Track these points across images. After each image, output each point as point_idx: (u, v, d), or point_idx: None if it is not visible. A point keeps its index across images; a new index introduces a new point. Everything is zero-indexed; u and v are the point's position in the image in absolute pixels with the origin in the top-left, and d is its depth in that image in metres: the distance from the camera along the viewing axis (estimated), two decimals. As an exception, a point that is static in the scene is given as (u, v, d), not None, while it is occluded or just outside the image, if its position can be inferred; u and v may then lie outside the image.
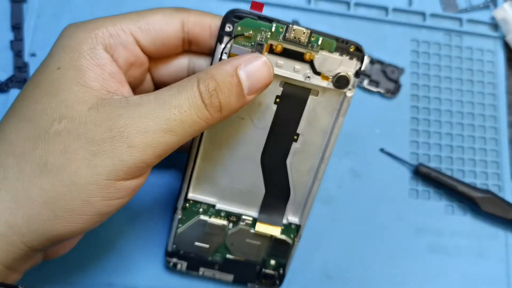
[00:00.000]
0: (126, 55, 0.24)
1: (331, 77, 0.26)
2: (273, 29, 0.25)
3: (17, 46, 0.37)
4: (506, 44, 0.44)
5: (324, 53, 0.25)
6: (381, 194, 0.39)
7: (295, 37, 0.25)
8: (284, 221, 0.32)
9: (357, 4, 0.42)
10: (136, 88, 0.27)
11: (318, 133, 0.29)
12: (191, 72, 0.28)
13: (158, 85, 0.28)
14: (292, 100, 0.27)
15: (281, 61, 0.26)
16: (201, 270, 0.33)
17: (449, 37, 0.43)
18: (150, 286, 0.35)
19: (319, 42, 0.25)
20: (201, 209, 0.31)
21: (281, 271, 0.33)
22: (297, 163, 0.30)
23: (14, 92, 0.36)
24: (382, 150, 0.40)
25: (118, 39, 0.24)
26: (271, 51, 0.25)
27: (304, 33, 0.25)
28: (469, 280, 0.39)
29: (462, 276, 0.39)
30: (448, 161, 0.41)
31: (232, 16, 0.25)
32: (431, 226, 0.39)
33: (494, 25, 0.44)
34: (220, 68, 0.23)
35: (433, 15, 0.43)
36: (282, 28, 0.25)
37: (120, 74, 0.24)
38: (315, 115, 0.28)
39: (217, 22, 0.26)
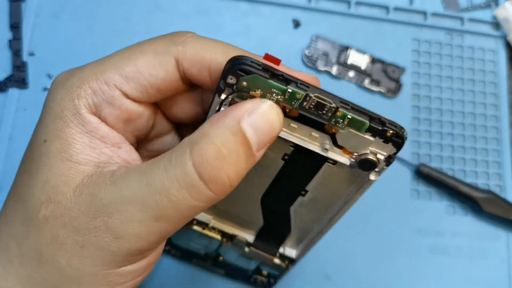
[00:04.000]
0: (115, 113, 0.20)
1: (355, 154, 0.21)
2: (286, 95, 0.19)
3: (15, 45, 0.37)
4: (507, 43, 0.43)
5: (352, 130, 0.20)
6: (382, 194, 0.39)
7: (315, 109, 0.19)
8: (281, 250, 0.29)
9: (358, 3, 0.42)
10: (148, 133, 0.23)
11: (330, 196, 0.24)
12: (206, 105, 0.23)
13: (176, 122, 0.24)
14: (304, 161, 0.22)
15: (294, 124, 0.20)
16: (194, 261, 0.33)
17: (450, 36, 0.43)
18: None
19: (345, 122, 0.19)
20: (194, 221, 0.29)
21: (272, 281, 0.33)
22: (302, 212, 0.26)
23: (12, 92, 0.36)
24: (383, 150, 0.40)
25: (102, 96, 0.20)
26: (284, 113, 0.20)
27: (327, 107, 0.19)
28: (471, 281, 0.38)
29: (463, 277, 0.38)
30: (449, 161, 0.40)
31: (237, 69, 0.18)
32: (432, 226, 0.39)
33: (496, 24, 0.44)
34: (218, 126, 0.18)
35: (434, 14, 0.43)
36: (299, 95, 0.19)
37: (114, 134, 0.20)
38: (329, 180, 0.23)
39: (218, 62, 0.20)
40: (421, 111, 0.41)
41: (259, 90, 0.19)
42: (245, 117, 0.18)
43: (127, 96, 0.20)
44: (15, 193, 0.20)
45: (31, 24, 0.37)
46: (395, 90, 0.41)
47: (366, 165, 0.21)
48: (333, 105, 0.19)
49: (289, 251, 0.30)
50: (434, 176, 0.39)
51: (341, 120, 0.19)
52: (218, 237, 0.29)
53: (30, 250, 0.19)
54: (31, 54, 0.37)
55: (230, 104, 0.19)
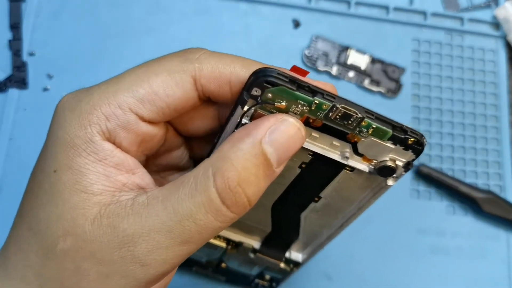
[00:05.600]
0: (130, 138, 0.19)
1: (374, 161, 0.21)
2: (313, 107, 0.19)
3: (15, 46, 0.37)
4: (507, 44, 0.43)
5: (374, 139, 0.20)
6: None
7: (340, 119, 0.19)
8: (286, 255, 0.29)
9: (358, 3, 0.42)
10: (159, 149, 0.23)
11: (343, 202, 0.25)
12: (222, 118, 0.23)
13: (188, 136, 0.24)
14: (321, 169, 0.22)
15: (316, 134, 0.20)
16: (194, 268, 0.33)
17: (450, 36, 0.43)
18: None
19: (370, 131, 0.20)
20: None
21: (273, 284, 0.33)
22: (312, 218, 0.26)
23: (12, 92, 0.36)
24: (383, 150, 0.40)
25: (116, 121, 0.19)
26: (307, 123, 0.20)
27: (353, 117, 0.19)
28: (471, 281, 0.38)
29: (463, 277, 0.38)
30: (449, 161, 0.40)
31: (263, 81, 0.18)
32: (433, 226, 0.39)
33: (496, 24, 0.44)
34: (239, 149, 0.18)
35: (434, 14, 0.43)
36: (326, 106, 0.19)
37: (128, 160, 0.20)
38: (344, 186, 0.23)
39: (238, 75, 0.20)
40: (421, 111, 0.41)
41: (284, 101, 0.19)
42: (266, 137, 0.18)
43: (142, 119, 0.19)
44: (24, 222, 0.20)
45: (31, 24, 0.37)
46: (395, 90, 0.41)
47: (386, 171, 0.21)
48: (359, 115, 0.19)
49: (295, 255, 0.29)
50: (434, 176, 0.39)
51: (365, 130, 0.19)
52: (223, 244, 0.29)
53: (49, 280, 0.19)
54: (31, 54, 0.37)
55: (252, 115, 0.19)
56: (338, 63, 0.41)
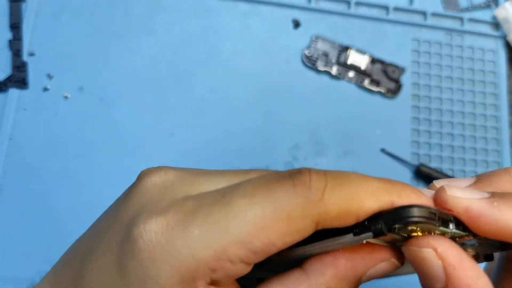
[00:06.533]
0: (232, 280, 0.18)
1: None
2: (446, 236, 0.18)
3: (15, 46, 0.37)
4: (507, 44, 0.43)
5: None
6: (381, 195, 0.39)
7: (464, 242, 0.19)
8: None
9: (358, 3, 0.42)
10: None
11: (408, 266, 0.25)
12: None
13: None
14: None
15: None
16: None
17: (450, 37, 0.43)
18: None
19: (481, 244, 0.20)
20: None
21: None
22: None
23: (12, 92, 0.36)
24: (382, 150, 0.40)
25: (223, 273, 0.17)
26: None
27: (478, 238, 0.19)
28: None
29: (463, 277, 0.38)
30: (449, 161, 0.40)
31: (413, 222, 0.17)
32: (432, 226, 0.39)
33: (496, 24, 0.44)
34: (340, 280, 0.19)
35: (434, 14, 0.43)
36: (457, 234, 0.18)
37: None
38: None
39: (367, 210, 0.18)
40: (421, 111, 0.41)
41: (419, 230, 0.18)
42: (370, 271, 0.19)
43: (250, 265, 0.18)
44: None
45: (31, 24, 0.37)
46: (395, 90, 0.41)
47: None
48: (482, 239, 0.19)
49: None
50: (434, 177, 0.39)
51: (477, 245, 0.20)
52: None
53: None
54: (31, 54, 0.37)
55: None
56: (338, 63, 0.41)
